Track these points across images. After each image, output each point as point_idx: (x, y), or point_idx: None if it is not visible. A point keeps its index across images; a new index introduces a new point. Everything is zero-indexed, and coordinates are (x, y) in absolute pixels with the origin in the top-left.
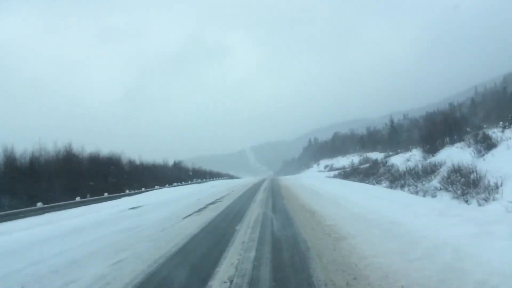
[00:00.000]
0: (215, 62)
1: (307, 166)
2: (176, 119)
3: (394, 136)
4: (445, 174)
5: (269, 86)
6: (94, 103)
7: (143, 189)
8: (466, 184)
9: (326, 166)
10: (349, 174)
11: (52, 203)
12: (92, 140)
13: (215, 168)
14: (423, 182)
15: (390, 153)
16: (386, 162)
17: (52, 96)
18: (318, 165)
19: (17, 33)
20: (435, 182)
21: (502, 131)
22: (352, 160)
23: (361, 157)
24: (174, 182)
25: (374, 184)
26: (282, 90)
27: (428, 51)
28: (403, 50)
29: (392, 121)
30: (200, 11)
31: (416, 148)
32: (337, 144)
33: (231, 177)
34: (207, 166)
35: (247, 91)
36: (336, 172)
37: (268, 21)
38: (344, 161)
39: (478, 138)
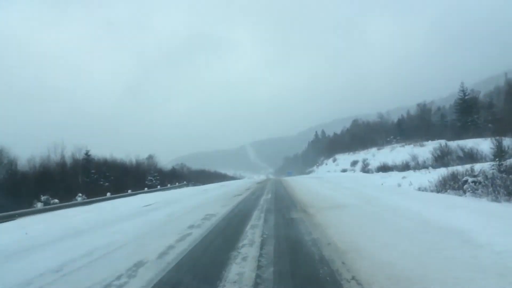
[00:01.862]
0: (215, 57)
1: (317, 162)
2: (177, 115)
3: (467, 117)
4: None
5: (270, 82)
6: (93, 98)
7: None
8: None
9: (353, 163)
10: None
11: None
12: (91, 136)
13: (214, 166)
14: None
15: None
16: None
17: (50, 91)
18: (334, 161)
19: (15, 26)
20: None
21: None
22: (413, 152)
23: (437, 146)
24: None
25: None
26: (282, 86)
27: (432, 47)
28: (407, 45)
29: (464, 93)
30: (203, 4)
31: None
32: (360, 135)
33: (203, 180)
34: (206, 163)
35: (248, 86)
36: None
37: (272, 16)
38: (386, 154)
39: None
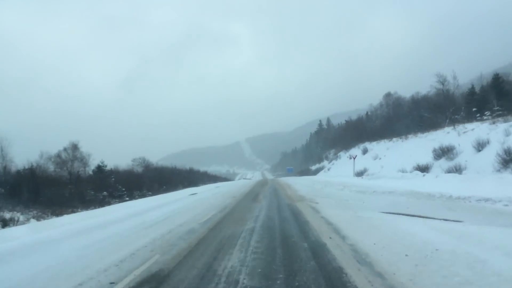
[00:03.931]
0: (211, 52)
1: (327, 157)
2: (170, 111)
3: None
4: None
5: (266, 77)
6: (90, 96)
7: None
8: None
9: (442, 153)
10: None
11: None
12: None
13: (207, 163)
14: None
15: None
16: None
17: (49, 88)
18: (365, 153)
19: (11, 21)
20: None
21: None
22: None
23: None
24: None
25: None
26: (278, 81)
27: (432, 37)
28: (405, 38)
29: None
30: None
31: None
32: (402, 113)
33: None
34: (199, 160)
35: (243, 82)
36: None
37: (270, 12)
38: None
39: None
